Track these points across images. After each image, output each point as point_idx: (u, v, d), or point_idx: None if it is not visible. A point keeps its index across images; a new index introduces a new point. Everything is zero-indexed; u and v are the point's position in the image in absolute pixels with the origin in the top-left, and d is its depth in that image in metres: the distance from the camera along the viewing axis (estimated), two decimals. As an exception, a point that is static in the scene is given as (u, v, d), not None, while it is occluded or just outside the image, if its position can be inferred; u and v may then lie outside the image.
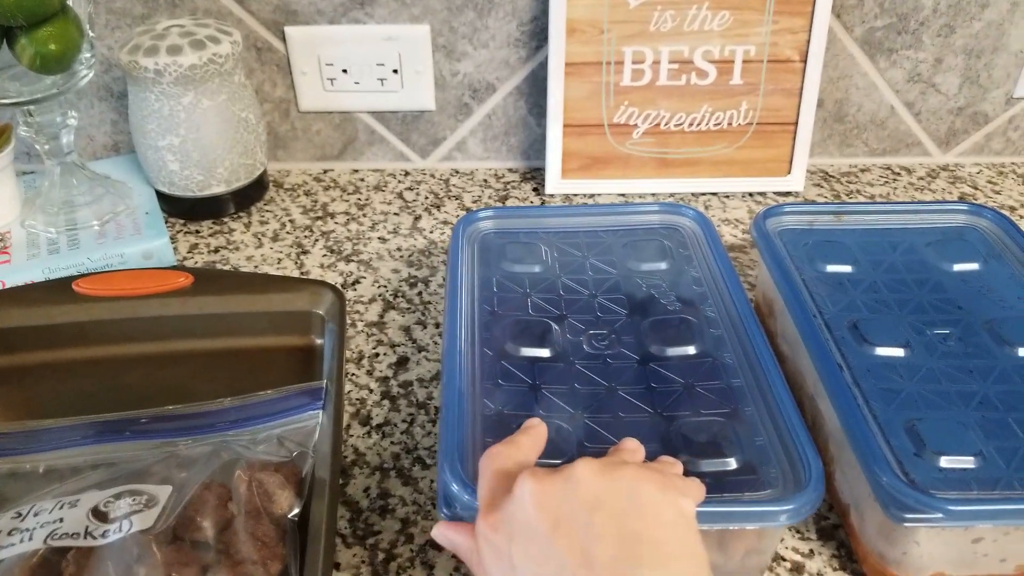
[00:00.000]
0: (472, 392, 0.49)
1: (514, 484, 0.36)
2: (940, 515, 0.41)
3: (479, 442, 0.46)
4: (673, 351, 0.53)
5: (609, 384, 0.51)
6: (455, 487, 0.42)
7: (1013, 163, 0.88)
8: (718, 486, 0.44)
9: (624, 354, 0.53)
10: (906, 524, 0.42)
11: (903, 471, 0.44)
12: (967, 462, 0.44)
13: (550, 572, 0.33)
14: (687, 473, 0.46)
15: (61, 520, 0.45)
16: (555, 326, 0.54)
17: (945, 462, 0.44)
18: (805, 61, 0.77)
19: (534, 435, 0.41)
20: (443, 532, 0.41)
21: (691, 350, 0.53)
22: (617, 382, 0.51)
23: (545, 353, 0.53)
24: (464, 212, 0.78)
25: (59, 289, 0.61)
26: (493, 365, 0.51)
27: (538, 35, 0.78)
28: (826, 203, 0.76)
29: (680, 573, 0.33)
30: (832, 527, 0.51)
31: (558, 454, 0.45)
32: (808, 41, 0.76)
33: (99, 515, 0.45)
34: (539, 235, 0.63)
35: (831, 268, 0.59)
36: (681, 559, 0.34)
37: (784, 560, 0.49)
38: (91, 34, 0.65)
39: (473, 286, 0.57)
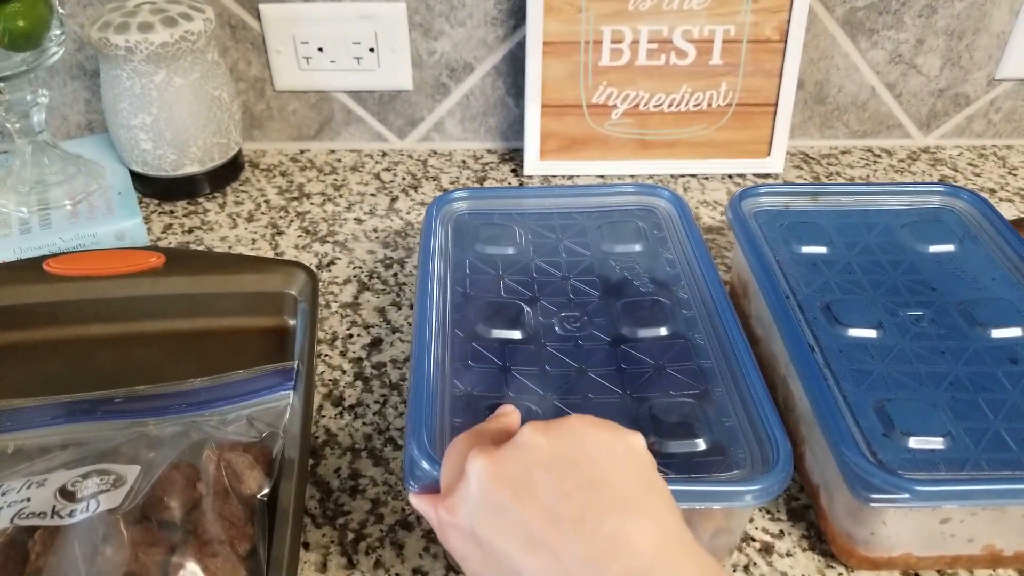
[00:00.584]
0: (442, 372, 0.49)
1: (464, 464, 0.36)
2: (907, 495, 0.42)
3: (448, 421, 0.46)
4: (645, 332, 0.53)
5: (580, 366, 0.50)
6: (424, 464, 0.42)
7: (994, 145, 0.88)
8: (687, 466, 0.44)
9: (596, 336, 0.53)
10: (872, 504, 0.42)
11: (871, 451, 0.44)
12: (936, 443, 0.45)
13: (518, 540, 0.33)
14: (655, 453, 0.46)
15: (28, 500, 0.45)
16: (527, 308, 0.54)
17: (914, 443, 0.45)
18: (785, 41, 0.76)
19: (505, 423, 0.41)
20: (417, 502, 0.40)
21: (663, 331, 0.53)
22: (588, 364, 0.51)
23: (516, 335, 0.52)
24: (440, 192, 0.78)
25: (29, 269, 0.60)
26: (464, 346, 0.51)
27: (515, 13, 0.77)
28: (803, 184, 0.75)
29: (644, 509, 0.33)
30: (803, 508, 0.51)
31: None
32: (788, 21, 0.75)
33: (67, 495, 0.45)
34: (513, 217, 0.62)
35: (806, 249, 0.59)
36: (643, 496, 0.33)
37: (754, 540, 0.49)
38: (61, 11, 0.64)
39: (446, 267, 0.57)
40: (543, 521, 0.33)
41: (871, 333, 0.52)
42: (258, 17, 0.77)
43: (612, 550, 0.31)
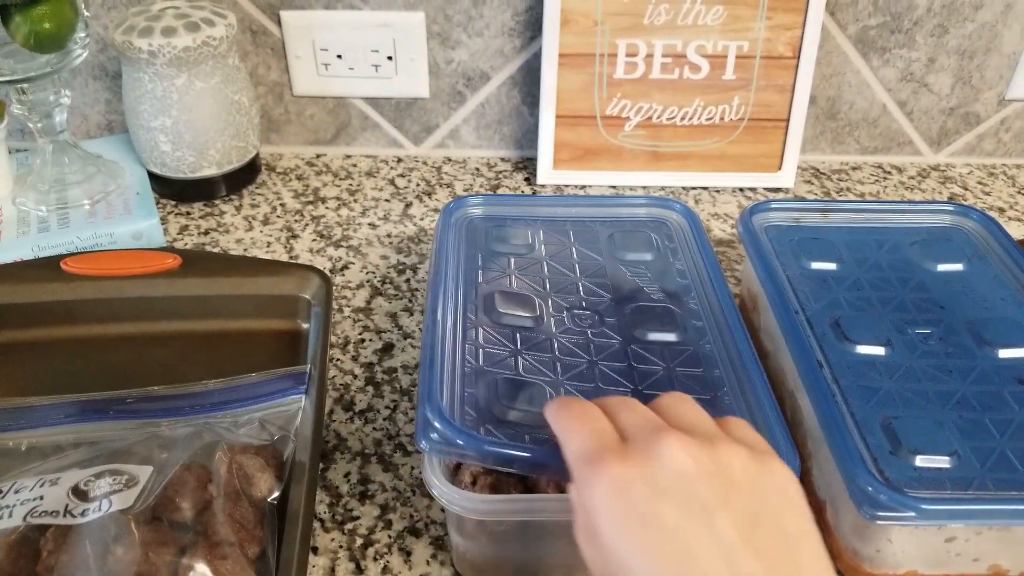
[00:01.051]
0: (453, 347, 0.49)
1: (657, 443, 0.34)
2: (913, 513, 0.42)
3: (459, 390, 0.47)
4: (655, 336, 0.53)
5: (590, 359, 0.51)
6: (436, 424, 0.42)
7: (1004, 164, 0.88)
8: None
9: (607, 334, 0.53)
10: (878, 522, 0.42)
11: (878, 469, 0.44)
12: (942, 461, 0.45)
13: (708, 539, 0.32)
14: None
15: (41, 498, 0.45)
16: (539, 300, 0.55)
17: (920, 461, 0.45)
18: (798, 58, 0.77)
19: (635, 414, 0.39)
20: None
21: (672, 337, 0.53)
22: (599, 358, 0.51)
23: (528, 323, 0.53)
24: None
25: (47, 267, 0.61)
26: (475, 329, 0.52)
27: (532, 25, 0.78)
28: (813, 200, 0.76)
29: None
30: (808, 522, 0.51)
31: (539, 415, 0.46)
32: (801, 38, 0.76)
33: (79, 494, 0.45)
34: (526, 221, 0.63)
35: (816, 265, 0.59)
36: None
37: (759, 554, 0.49)
38: (86, 13, 0.65)
39: (459, 261, 0.57)
40: (738, 527, 0.33)
41: (879, 350, 0.52)
42: (279, 23, 0.78)
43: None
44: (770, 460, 0.36)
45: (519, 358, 0.50)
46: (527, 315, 0.53)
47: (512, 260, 0.59)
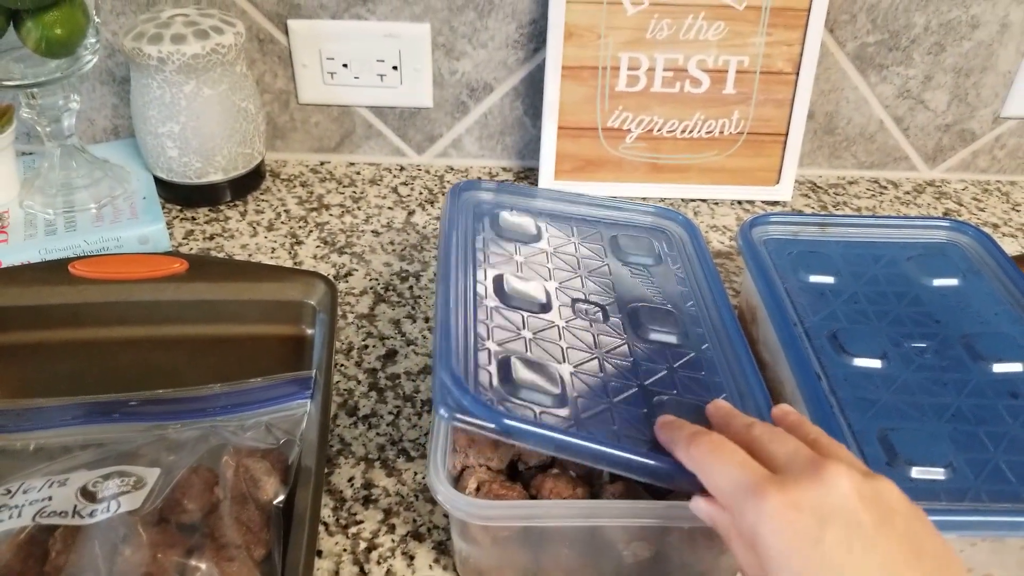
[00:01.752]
0: (464, 325, 0.50)
1: (820, 470, 0.36)
2: (907, 523, 0.43)
3: (472, 361, 0.47)
4: (657, 336, 0.54)
5: (596, 352, 0.51)
6: (454, 390, 0.43)
7: (998, 181, 0.90)
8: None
9: (610, 331, 0.54)
10: (874, 530, 0.43)
11: (873, 479, 0.45)
12: (937, 473, 0.46)
13: (875, 562, 0.34)
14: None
15: (50, 498, 0.46)
16: (545, 288, 0.55)
17: (916, 472, 0.46)
18: (797, 73, 0.78)
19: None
20: (704, 507, 0.41)
21: (674, 339, 0.54)
22: (605, 352, 0.52)
23: (535, 308, 0.53)
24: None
25: (54, 270, 0.62)
26: (484, 309, 0.52)
27: (536, 38, 0.79)
28: (811, 214, 0.77)
29: None
30: (804, 531, 0.52)
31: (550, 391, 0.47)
32: (801, 54, 0.77)
33: (87, 495, 0.46)
34: (532, 212, 0.63)
35: (813, 278, 0.60)
36: None
37: (756, 562, 0.50)
38: (96, 20, 0.66)
39: (465, 241, 0.58)
40: (906, 554, 0.35)
41: (876, 363, 0.53)
42: (286, 32, 0.78)
43: None
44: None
45: (528, 343, 0.51)
46: (535, 300, 0.54)
47: (519, 247, 0.59)
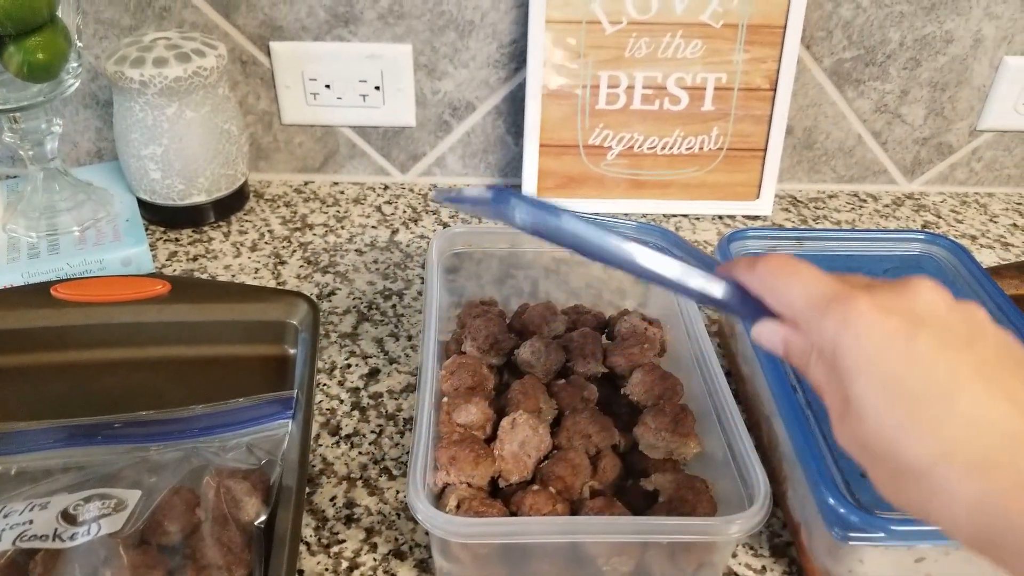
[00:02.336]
0: None
1: (908, 283, 0.34)
2: (882, 534, 0.43)
3: None
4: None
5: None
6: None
7: (976, 193, 0.91)
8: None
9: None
10: (850, 543, 0.44)
11: (849, 491, 0.46)
12: (911, 484, 0.46)
13: (970, 362, 0.32)
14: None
15: (31, 522, 0.46)
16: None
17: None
18: (775, 90, 0.79)
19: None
20: (772, 328, 0.37)
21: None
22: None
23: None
24: (441, 227, 0.80)
25: (37, 293, 0.62)
26: None
27: (517, 57, 0.80)
28: (789, 228, 0.78)
29: None
30: (785, 544, 0.52)
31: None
32: (778, 70, 0.78)
33: (68, 518, 0.46)
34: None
35: (791, 293, 0.61)
36: None
37: None
38: (79, 44, 0.66)
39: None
40: (1001, 358, 0.32)
41: (852, 376, 0.53)
42: (268, 54, 0.79)
43: None
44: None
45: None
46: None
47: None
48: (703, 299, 0.39)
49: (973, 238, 0.84)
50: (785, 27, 0.77)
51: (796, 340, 0.36)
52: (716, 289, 0.38)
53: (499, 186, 0.39)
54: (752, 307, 0.38)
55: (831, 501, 0.44)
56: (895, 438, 0.32)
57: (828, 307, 0.34)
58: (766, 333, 0.37)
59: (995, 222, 0.86)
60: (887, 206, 0.88)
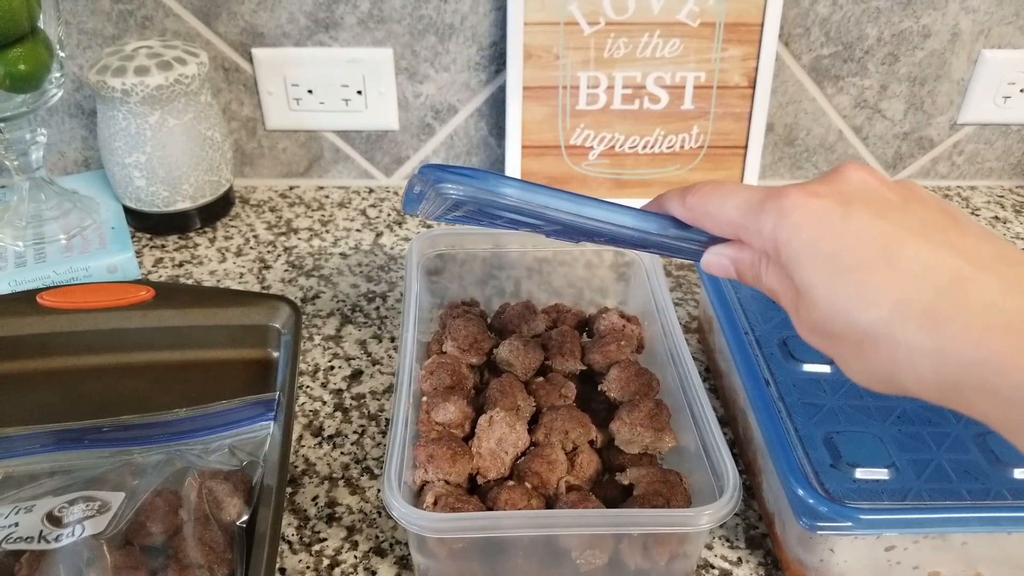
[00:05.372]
0: None
1: (835, 170, 0.35)
2: (850, 523, 0.44)
3: None
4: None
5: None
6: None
7: (959, 186, 0.91)
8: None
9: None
10: (819, 532, 0.45)
11: (819, 482, 0.46)
12: (880, 474, 0.47)
13: (912, 222, 0.33)
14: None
15: (16, 524, 0.47)
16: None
17: (860, 474, 0.47)
18: (754, 87, 0.80)
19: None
20: (719, 251, 0.38)
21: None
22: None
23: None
24: (425, 229, 0.81)
25: (23, 301, 0.63)
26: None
27: (497, 59, 0.80)
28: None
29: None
30: (761, 536, 0.53)
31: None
32: (756, 68, 0.79)
33: (53, 520, 0.47)
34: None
35: (767, 288, 0.61)
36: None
37: (713, 567, 0.51)
38: (61, 54, 0.67)
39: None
40: (942, 216, 0.33)
41: (824, 368, 0.54)
42: (250, 60, 0.80)
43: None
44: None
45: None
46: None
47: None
48: (643, 243, 0.40)
49: (954, 231, 0.84)
50: (762, 25, 0.78)
51: (743, 256, 0.37)
52: (653, 225, 0.40)
53: (426, 166, 0.40)
54: (695, 240, 0.39)
55: (800, 492, 0.45)
56: (847, 310, 0.32)
57: (762, 207, 0.35)
58: (714, 259, 0.38)
59: (977, 215, 0.87)
60: (869, 201, 0.88)
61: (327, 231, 0.81)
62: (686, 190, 0.38)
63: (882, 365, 0.32)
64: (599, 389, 0.56)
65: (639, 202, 0.82)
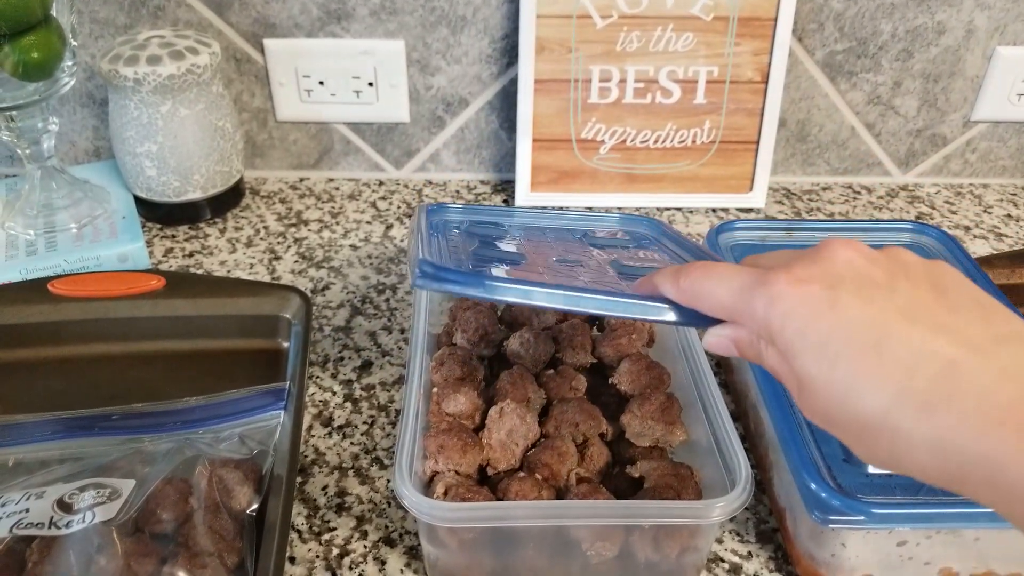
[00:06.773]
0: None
1: (819, 249, 0.35)
2: (863, 518, 0.44)
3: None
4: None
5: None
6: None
7: (971, 184, 0.91)
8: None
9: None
10: (831, 527, 0.44)
11: (831, 476, 0.46)
12: (894, 468, 0.47)
13: (898, 305, 0.32)
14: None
15: (27, 511, 0.47)
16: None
17: (872, 468, 0.47)
18: (766, 82, 0.79)
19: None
20: (720, 332, 0.38)
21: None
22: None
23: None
24: (435, 222, 0.81)
25: (35, 289, 0.63)
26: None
27: (509, 52, 0.80)
28: (776, 220, 0.78)
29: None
30: (771, 530, 0.53)
31: None
32: (769, 63, 0.79)
33: (64, 506, 0.47)
34: (504, 228, 0.64)
35: (779, 282, 0.61)
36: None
37: (723, 561, 0.51)
38: (74, 43, 0.67)
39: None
40: (928, 291, 0.33)
41: (837, 363, 0.54)
42: (262, 51, 0.80)
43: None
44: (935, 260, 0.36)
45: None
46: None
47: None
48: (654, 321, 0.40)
49: (967, 229, 0.84)
50: (776, 19, 0.77)
51: (742, 335, 0.37)
52: (658, 314, 0.40)
53: (423, 264, 0.42)
54: (697, 316, 0.39)
55: (812, 486, 0.45)
56: (846, 399, 0.32)
57: (752, 295, 0.35)
58: (714, 340, 0.38)
59: (989, 213, 0.87)
60: (881, 198, 0.88)
61: (337, 223, 0.81)
62: (678, 272, 0.39)
63: (887, 452, 0.32)
64: (609, 382, 0.55)
65: (650, 197, 0.83)
